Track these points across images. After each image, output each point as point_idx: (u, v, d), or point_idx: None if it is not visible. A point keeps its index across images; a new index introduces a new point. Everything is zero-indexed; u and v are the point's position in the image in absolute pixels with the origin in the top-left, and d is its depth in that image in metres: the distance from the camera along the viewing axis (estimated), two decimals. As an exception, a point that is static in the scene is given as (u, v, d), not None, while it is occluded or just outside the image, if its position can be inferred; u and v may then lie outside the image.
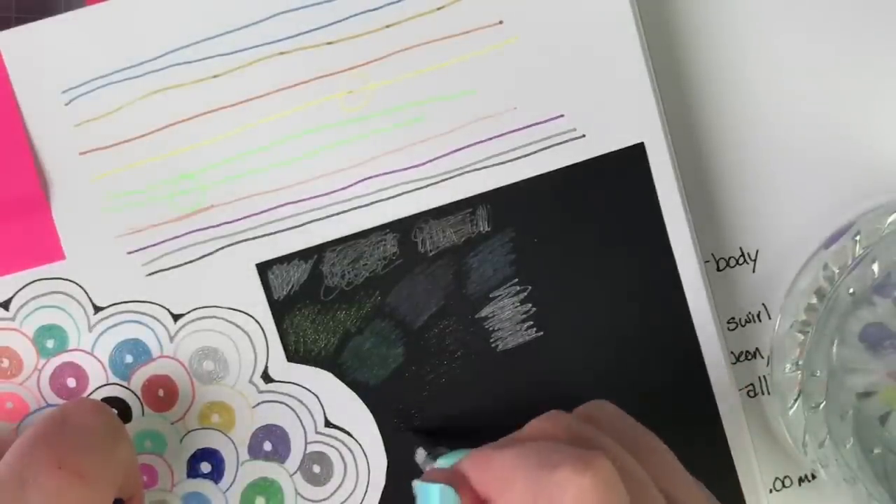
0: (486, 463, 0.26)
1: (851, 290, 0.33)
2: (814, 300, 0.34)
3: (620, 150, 0.33)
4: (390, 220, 0.33)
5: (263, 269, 0.33)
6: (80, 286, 0.33)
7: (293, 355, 0.34)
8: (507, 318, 0.34)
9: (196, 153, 0.33)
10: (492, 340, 0.34)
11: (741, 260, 0.36)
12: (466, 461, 0.27)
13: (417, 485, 0.27)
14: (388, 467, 0.34)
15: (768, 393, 0.36)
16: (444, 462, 0.29)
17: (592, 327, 0.34)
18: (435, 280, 0.34)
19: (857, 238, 0.34)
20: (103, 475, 0.29)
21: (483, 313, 0.34)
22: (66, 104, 0.33)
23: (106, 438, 0.30)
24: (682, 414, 0.34)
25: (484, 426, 0.34)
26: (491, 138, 0.33)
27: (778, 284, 0.36)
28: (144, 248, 0.33)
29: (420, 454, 0.33)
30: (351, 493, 0.34)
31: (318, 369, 0.34)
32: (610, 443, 0.27)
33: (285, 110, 0.33)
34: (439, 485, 0.27)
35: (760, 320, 0.36)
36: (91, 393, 0.34)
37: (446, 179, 0.33)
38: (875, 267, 0.33)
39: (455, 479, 0.27)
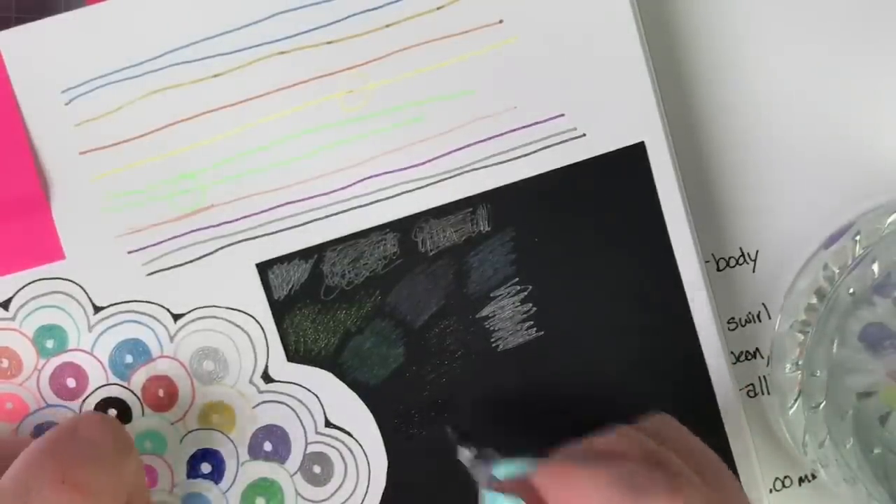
0: (564, 479, 0.26)
1: (851, 290, 0.33)
2: (814, 300, 0.34)
3: (621, 149, 0.33)
4: (390, 219, 0.33)
5: (263, 268, 0.33)
6: (80, 286, 0.33)
7: (293, 355, 0.34)
8: (508, 317, 0.34)
9: (196, 153, 0.33)
10: (492, 340, 0.34)
11: (741, 260, 0.36)
12: (542, 474, 0.27)
13: (485, 493, 0.27)
14: (388, 467, 0.34)
15: (768, 393, 0.36)
16: (504, 470, 0.28)
17: (592, 327, 0.34)
18: (435, 280, 0.34)
19: (857, 238, 0.34)
20: (107, 491, 0.29)
21: (483, 313, 0.34)
22: (66, 104, 0.33)
23: (113, 454, 0.30)
24: (683, 414, 0.33)
25: (484, 425, 0.34)
26: (491, 138, 0.33)
27: (778, 284, 0.36)
28: (144, 248, 0.33)
29: (465, 454, 0.31)
30: (351, 494, 0.34)
31: (318, 369, 0.34)
32: (685, 468, 0.27)
33: (285, 110, 0.33)
34: (510, 496, 0.26)
35: (760, 320, 0.36)
36: (91, 393, 0.34)
37: (446, 179, 0.33)
38: (875, 267, 0.33)
39: (526, 493, 0.26)
